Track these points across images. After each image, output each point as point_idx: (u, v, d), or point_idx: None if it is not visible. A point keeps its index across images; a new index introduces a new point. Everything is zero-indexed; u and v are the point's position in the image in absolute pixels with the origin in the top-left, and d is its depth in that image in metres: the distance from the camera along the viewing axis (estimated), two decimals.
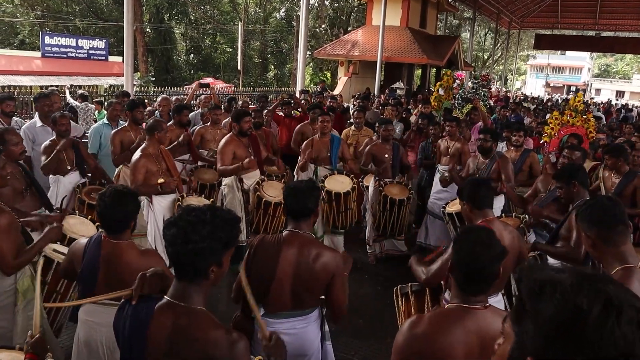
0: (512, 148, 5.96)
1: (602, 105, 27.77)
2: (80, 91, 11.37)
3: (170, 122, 6.02)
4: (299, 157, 6.05)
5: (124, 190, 2.62)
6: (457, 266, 1.90)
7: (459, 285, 1.89)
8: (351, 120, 8.82)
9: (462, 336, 1.75)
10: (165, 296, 1.73)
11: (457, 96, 9.44)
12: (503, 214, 4.92)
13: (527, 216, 4.50)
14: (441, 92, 10.48)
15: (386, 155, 5.92)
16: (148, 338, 1.65)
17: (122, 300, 1.79)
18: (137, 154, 4.61)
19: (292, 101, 8.89)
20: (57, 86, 14.05)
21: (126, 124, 5.64)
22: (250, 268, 2.52)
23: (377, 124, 6.73)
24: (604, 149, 5.81)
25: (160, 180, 4.52)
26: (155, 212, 4.65)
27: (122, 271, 2.48)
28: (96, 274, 2.50)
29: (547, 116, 9.67)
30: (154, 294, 1.79)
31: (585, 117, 7.31)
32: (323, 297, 2.63)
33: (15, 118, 6.03)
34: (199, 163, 6.10)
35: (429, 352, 1.76)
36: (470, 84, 11.05)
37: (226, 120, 7.05)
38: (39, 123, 5.57)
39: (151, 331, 1.66)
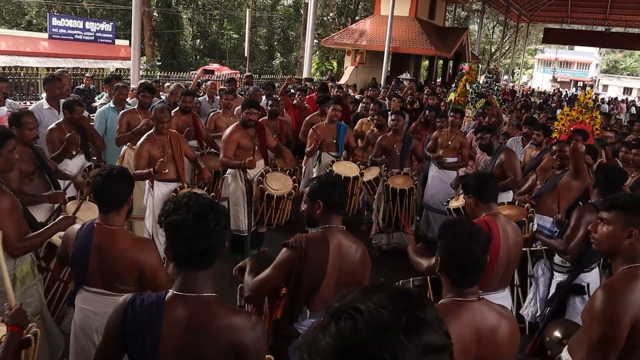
0: (532, 146, 5.94)
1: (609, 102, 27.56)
2: (87, 74, 11.36)
3: (176, 109, 6.02)
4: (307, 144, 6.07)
5: (119, 169, 2.65)
6: (447, 261, 1.90)
7: (452, 280, 1.89)
8: (357, 111, 8.82)
9: (457, 330, 1.73)
10: (170, 290, 1.71)
11: (470, 91, 9.32)
12: (505, 203, 4.86)
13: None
14: (468, 87, 10.11)
15: (394, 146, 5.91)
16: (161, 333, 1.64)
17: (126, 296, 1.77)
18: (142, 139, 4.59)
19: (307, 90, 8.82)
20: (63, 68, 14.03)
21: (135, 106, 5.70)
22: (302, 271, 2.47)
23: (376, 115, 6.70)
24: (627, 145, 5.65)
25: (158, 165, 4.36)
26: (155, 198, 4.59)
27: (115, 259, 2.46)
28: (87, 261, 2.48)
29: (558, 112, 9.59)
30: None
31: (593, 114, 7.24)
32: None
33: (9, 100, 6.01)
34: (207, 149, 6.09)
35: None
36: (483, 78, 10.88)
37: (239, 107, 7.00)
38: (46, 105, 5.55)
39: (164, 326, 1.64)
